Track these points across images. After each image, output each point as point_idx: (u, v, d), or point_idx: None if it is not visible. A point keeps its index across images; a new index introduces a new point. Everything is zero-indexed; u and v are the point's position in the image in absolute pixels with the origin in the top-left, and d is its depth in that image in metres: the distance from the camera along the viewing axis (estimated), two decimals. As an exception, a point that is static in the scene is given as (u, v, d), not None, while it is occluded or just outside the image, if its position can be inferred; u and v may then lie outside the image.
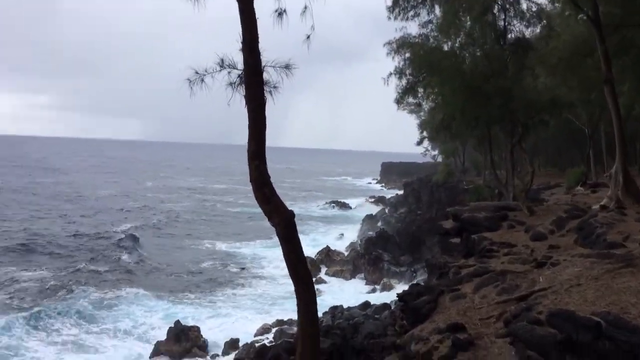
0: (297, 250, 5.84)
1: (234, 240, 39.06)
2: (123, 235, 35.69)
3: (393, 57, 20.98)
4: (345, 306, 20.11)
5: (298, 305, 5.78)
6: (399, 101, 22.59)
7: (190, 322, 19.36)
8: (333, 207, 59.17)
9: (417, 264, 27.12)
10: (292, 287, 20.44)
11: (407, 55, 20.87)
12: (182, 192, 70.36)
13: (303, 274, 5.83)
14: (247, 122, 5.91)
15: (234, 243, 37.91)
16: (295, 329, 18.43)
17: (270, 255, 33.17)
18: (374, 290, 25.54)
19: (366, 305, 19.90)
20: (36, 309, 20.32)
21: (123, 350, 18.09)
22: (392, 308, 16.26)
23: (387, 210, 50.49)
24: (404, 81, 21.21)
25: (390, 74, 21.09)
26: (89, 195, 59.85)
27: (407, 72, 21.12)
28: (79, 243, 33.52)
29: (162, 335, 18.77)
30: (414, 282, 21.41)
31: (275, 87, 6.13)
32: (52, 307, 20.65)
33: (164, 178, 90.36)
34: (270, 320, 20.64)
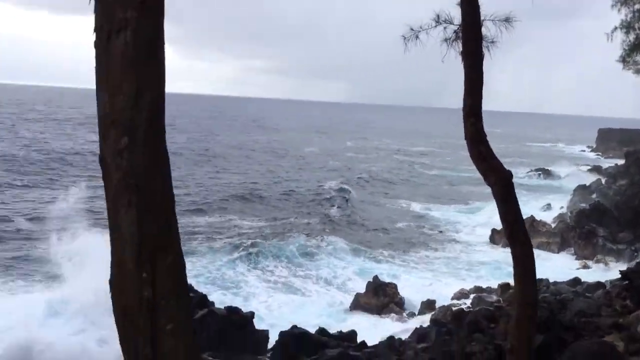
0: (514, 211, 5.55)
1: (428, 202, 38.90)
2: (332, 192, 38.00)
3: (619, 10, 18.30)
4: (551, 280, 18.84)
5: (515, 269, 5.53)
6: (624, 60, 19.82)
7: (385, 279, 19.95)
8: (539, 175, 55.07)
9: (639, 242, 24.14)
10: (488, 256, 19.86)
11: (638, 6, 18.06)
12: (380, 153, 71.86)
13: (521, 236, 5.53)
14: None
15: (428, 205, 37.78)
16: (494, 297, 17.88)
17: (464, 221, 32.40)
18: (585, 267, 23.42)
19: (576, 281, 18.34)
20: (253, 250, 22.94)
21: (326, 297, 19.51)
22: (608, 288, 14.75)
23: (604, 181, 45.42)
24: (631, 36, 18.47)
25: (615, 28, 18.51)
26: (297, 152, 64.47)
27: (637, 25, 18.32)
28: (290, 195, 36.59)
29: (358, 288, 19.69)
30: (637, 261, 19.11)
31: (492, 41, 5.85)
32: (267, 250, 23.13)
33: (364, 139, 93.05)
34: (466, 285, 20.28)
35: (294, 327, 13.44)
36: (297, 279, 21.11)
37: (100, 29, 2.43)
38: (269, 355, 13.29)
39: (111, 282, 2.52)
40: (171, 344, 2.47)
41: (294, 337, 12.72)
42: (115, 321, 2.56)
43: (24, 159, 43.36)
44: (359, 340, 13.74)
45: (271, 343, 13.88)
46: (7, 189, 32.97)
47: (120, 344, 2.56)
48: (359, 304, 18.74)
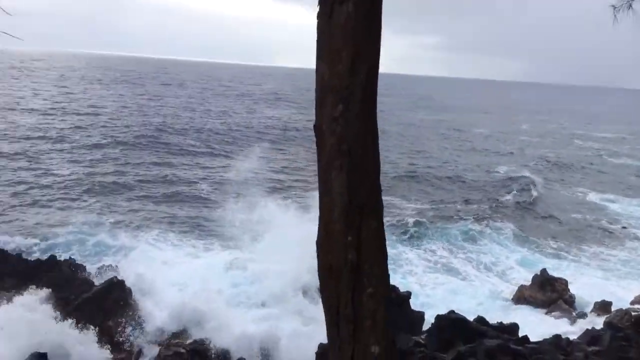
0: None
1: (609, 193, 35.22)
2: (503, 177, 36.55)
3: None
4: None
5: None
6: None
7: (551, 273, 18.64)
8: None
9: None
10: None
11: None
12: (559, 137, 66.46)
13: None
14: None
15: (608, 196, 34.24)
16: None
17: (651, 217, 28.89)
18: None
19: None
20: (415, 230, 22.93)
21: (487, 284, 18.85)
22: None
23: None
24: None
25: None
26: (465, 133, 62.30)
27: None
28: (456, 178, 35.68)
29: (519, 278, 18.90)
30: None
31: None
32: (429, 231, 23.08)
33: (541, 121, 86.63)
34: (652, 290, 18.11)
35: (452, 312, 13.14)
36: (457, 260, 20.79)
37: (324, 1, 2.58)
38: (423, 337, 13.20)
39: (318, 243, 2.69)
40: (371, 307, 2.59)
41: (451, 322, 12.45)
42: (320, 281, 2.77)
43: (209, 129, 47.93)
44: (520, 334, 13.03)
45: (426, 324, 13.77)
46: (194, 156, 36.84)
47: (323, 303, 2.76)
48: (522, 297, 17.77)
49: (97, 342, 12.52)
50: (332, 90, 2.55)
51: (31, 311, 12.37)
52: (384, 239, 2.66)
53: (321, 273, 2.70)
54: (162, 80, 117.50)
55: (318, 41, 2.61)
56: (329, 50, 2.56)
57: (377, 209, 2.62)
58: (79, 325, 12.51)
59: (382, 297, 2.61)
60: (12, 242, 18.04)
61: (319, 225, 2.68)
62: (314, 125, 2.65)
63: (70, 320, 12.53)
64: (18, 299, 12.73)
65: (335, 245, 2.59)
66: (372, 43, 2.55)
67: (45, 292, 13.27)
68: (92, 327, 12.65)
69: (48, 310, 12.64)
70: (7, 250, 15.93)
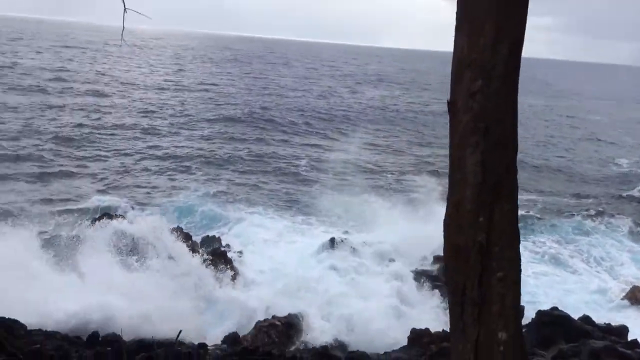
0: None
1: None
2: (624, 171, 34.35)
3: None
4: None
5: None
6: None
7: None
8: None
9: None
10: None
11: None
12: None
13: None
14: None
15: None
16: None
17: None
18: None
19: None
20: (520, 224, 21.82)
21: (595, 279, 17.90)
22: None
23: None
24: None
25: None
26: (579, 121, 58.40)
27: None
28: (568, 169, 33.77)
29: (628, 275, 18.06)
30: None
31: None
32: (535, 226, 22.06)
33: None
34: None
35: (554, 308, 12.51)
36: (566, 251, 19.93)
37: None
38: (522, 331, 12.67)
39: (446, 222, 2.63)
40: (499, 292, 2.49)
41: (554, 318, 11.86)
42: (445, 260, 2.69)
43: (311, 109, 48.57)
44: (629, 338, 12.15)
45: (526, 318, 13.21)
46: (295, 135, 37.58)
47: (447, 283, 2.69)
48: (634, 298, 16.52)
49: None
50: (471, 64, 2.44)
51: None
52: (517, 222, 2.54)
53: (447, 253, 2.60)
54: (268, 60, 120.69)
55: (458, 12, 2.50)
56: (470, 21, 2.44)
57: (512, 191, 2.49)
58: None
59: (513, 282, 2.49)
60: (130, 212, 19.41)
61: (448, 203, 2.58)
62: (448, 101, 2.55)
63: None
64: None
65: (464, 225, 2.49)
66: (516, 15, 2.42)
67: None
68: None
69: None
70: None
